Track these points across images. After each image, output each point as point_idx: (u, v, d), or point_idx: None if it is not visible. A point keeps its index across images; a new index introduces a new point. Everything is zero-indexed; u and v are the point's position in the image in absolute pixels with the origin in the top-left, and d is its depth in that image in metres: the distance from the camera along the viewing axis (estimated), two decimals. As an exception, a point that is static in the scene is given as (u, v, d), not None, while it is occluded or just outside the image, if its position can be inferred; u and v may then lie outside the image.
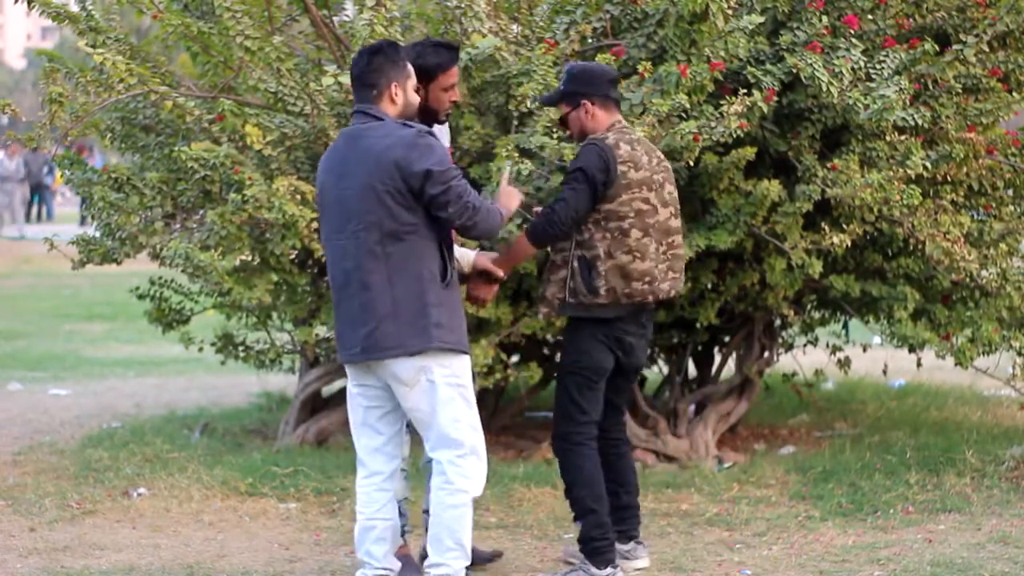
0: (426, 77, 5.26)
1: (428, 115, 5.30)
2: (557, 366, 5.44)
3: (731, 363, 8.11)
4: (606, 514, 5.41)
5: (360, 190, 4.82)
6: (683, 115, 6.29)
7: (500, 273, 5.34)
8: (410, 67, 5.01)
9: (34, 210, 31.22)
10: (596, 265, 5.28)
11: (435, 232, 4.89)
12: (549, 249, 5.44)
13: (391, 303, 4.81)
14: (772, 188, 6.49)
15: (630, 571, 5.56)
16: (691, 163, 6.32)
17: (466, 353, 4.97)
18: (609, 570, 5.38)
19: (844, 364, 8.09)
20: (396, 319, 4.81)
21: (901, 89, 6.28)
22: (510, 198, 5.21)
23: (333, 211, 4.94)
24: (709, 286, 7.18)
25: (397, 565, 5.10)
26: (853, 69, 6.37)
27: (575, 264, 5.31)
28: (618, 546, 5.63)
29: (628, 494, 5.63)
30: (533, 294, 6.97)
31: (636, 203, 5.31)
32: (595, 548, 5.39)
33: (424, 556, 5.19)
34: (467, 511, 4.93)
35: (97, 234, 7.26)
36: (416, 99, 5.04)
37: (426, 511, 5.32)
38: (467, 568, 5.01)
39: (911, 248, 6.95)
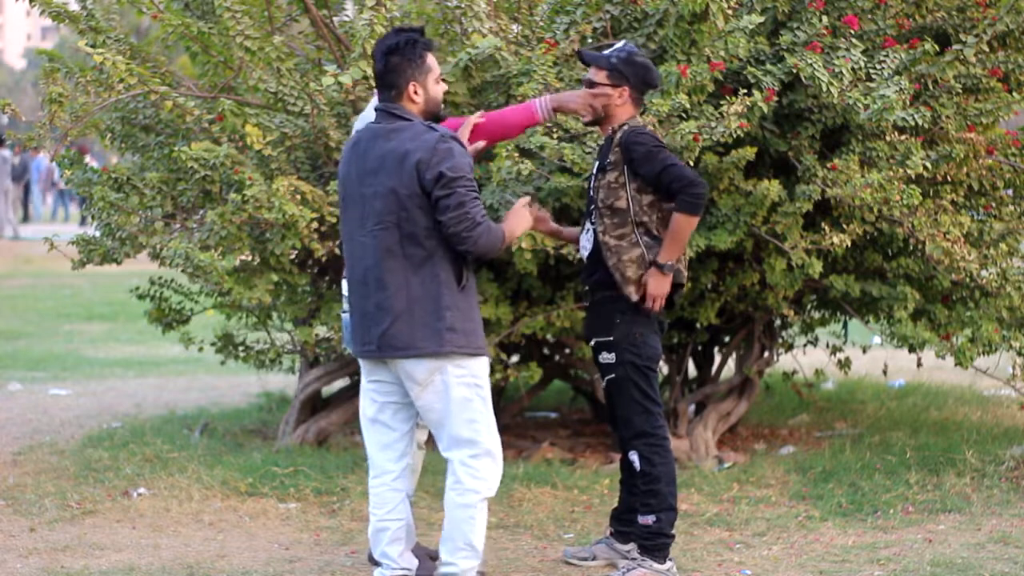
0: None
1: None
2: (609, 368, 5.37)
3: (731, 363, 8.11)
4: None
5: (382, 190, 4.84)
6: (683, 115, 6.29)
7: (677, 264, 5.34)
8: (430, 60, 4.99)
9: (32, 209, 31.24)
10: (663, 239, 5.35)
11: None
12: (604, 235, 5.35)
13: (406, 303, 4.83)
14: (772, 188, 6.48)
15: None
16: (691, 163, 6.32)
17: (483, 355, 4.98)
18: (670, 563, 5.43)
19: (844, 364, 8.09)
20: (410, 319, 4.83)
21: (901, 89, 6.28)
22: (519, 220, 5.09)
23: (355, 208, 4.94)
24: (709, 286, 7.18)
25: (414, 563, 5.11)
26: (853, 69, 6.37)
27: (646, 239, 5.34)
28: (617, 546, 5.65)
29: None
30: (533, 294, 6.97)
31: None
32: (662, 544, 5.42)
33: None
34: (478, 512, 4.94)
35: (97, 234, 7.26)
36: (439, 91, 5.02)
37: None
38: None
39: (911, 248, 6.95)
